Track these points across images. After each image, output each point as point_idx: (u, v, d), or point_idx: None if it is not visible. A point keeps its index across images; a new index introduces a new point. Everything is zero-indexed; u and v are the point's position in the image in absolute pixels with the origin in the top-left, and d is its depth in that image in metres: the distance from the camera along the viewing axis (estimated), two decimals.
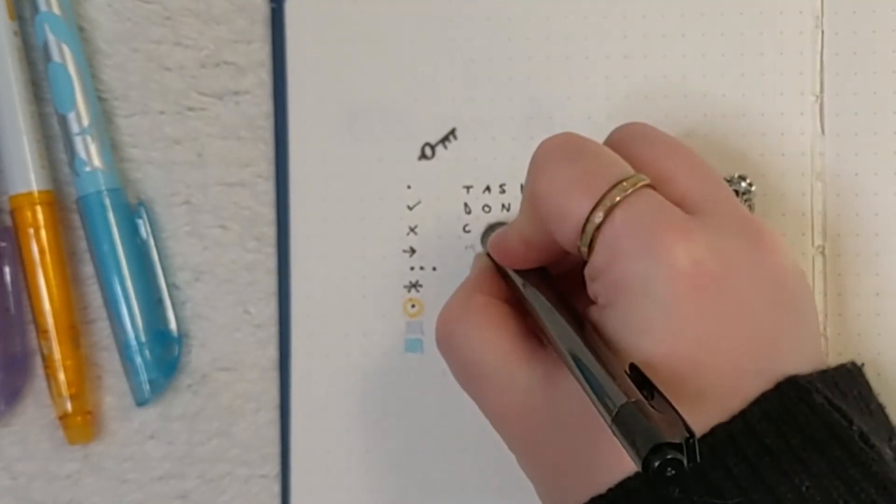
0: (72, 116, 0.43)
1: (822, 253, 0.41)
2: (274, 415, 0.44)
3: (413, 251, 0.43)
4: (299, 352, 0.44)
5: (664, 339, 0.31)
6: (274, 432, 0.44)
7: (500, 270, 0.38)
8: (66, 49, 0.43)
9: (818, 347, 0.34)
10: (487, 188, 0.43)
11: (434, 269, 0.43)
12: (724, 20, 0.42)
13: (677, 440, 0.26)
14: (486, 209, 0.43)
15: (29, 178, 0.43)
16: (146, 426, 0.44)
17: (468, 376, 0.36)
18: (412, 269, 0.43)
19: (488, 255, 0.40)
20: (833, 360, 0.41)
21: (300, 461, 0.44)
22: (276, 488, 0.44)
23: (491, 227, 0.42)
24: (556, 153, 0.34)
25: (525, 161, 0.42)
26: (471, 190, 0.43)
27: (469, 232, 0.43)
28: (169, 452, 0.44)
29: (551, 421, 0.34)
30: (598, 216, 0.32)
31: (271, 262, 0.44)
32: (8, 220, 0.44)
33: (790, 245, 0.41)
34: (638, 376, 0.29)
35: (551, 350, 0.34)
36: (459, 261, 0.43)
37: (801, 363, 0.32)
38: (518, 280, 0.36)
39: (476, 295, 0.37)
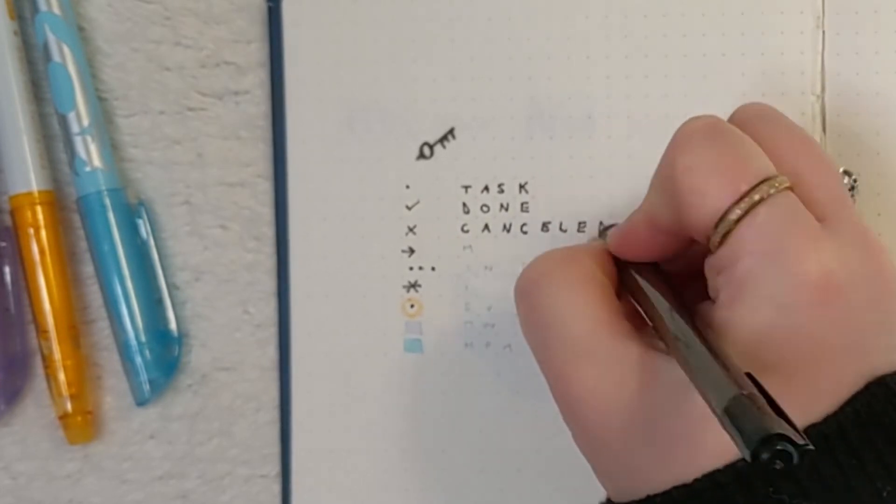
0: (72, 116, 0.43)
1: None
2: (274, 415, 0.44)
3: (412, 251, 0.43)
4: (299, 352, 0.44)
5: (780, 344, 0.31)
6: (274, 432, 0.44)
7: (612, 257, 0.37)
8: (66, 49, 0.43)
9: None
10: (486, 188, 0.43)
11: (433, 268, 0.43)
12: (725, 20, 0.42)
13: (790, 434, 0.26)
14: (485, 209, 0.43)
15: (29, 178, 0.43)
16: (146, 426, 0.44)
17: (546, 339, 0.34)
18: (411, 269, 0.43)
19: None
20: None
21: (300, 461, 0.44)
22: (276, 488, 0.44)
23: (606, 229, 0.42)
24: (704, 132, 0.33)
25: (524, 161, 0.42)
26: (469, 190, 0.43)
27: (468, 232, 0.43)
28: (169, 452, 0.44)
29: (640, 407, 0.32)
30: (737, 212, 0.31)
31: (271, 262, 0.44)
32: (8, 220, 0.44)
33: None
34: (752, 382, 0.29)
35: (650, 334, 0.33)
36: (458, 261, 0.43)
37: (890, 367, 0.32)
38: (633, 268, 0.35)
39: (579, 254, 0.35)
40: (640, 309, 0.35)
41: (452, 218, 0.43)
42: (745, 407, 0.27)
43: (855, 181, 0.41)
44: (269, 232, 0.44)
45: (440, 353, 0.43)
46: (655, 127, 0.42)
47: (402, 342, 0.43)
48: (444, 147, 0.43)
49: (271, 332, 0.44)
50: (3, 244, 0.44)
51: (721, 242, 0.32)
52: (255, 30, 0.44)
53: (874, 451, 0.30)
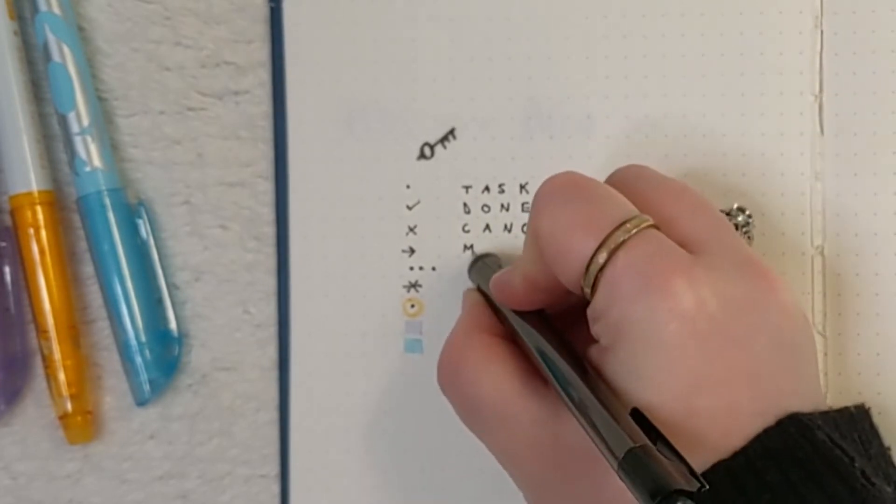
0: (72, 116, 0.43)
1: (822, 253, 0.41)
2: (274, 415, 0.44)
3: (412, 251, 0.43)
4: (299, 352, 0.44)
5: (664, 383, 0.31)
6: (274, 432, 0.44)
7: (492, 306, 0.38)
8: (66, 49, 0.43)
9: (818, 387, 0.34)
10: (486, 188, 0.43)
11: (433, 268, 0.43)
12: (724, 20, 0.42)
13: (687, 487, 0.26)
14: (486, 209, 0.43)
15: (29, 178, 0.43)
16: (146, 426, 0.44)
17: (474, 415, 0.36)
18: (411, 269, 0.43)
19: (478, 288, 0.40)
20: (831, 360, 0.41)
21: (300, 461, 0.44)
22: (276, 488, 0.44)
23: (476, 259, 0.42)
24: (560, 192, 0.34)
25: (524, 161, 0.43)
26: (470, 190, 0.43)
27: (468, 232, 0.43)
28: (169, 452, 0.44)
29: (558, 457, 0.34)
30: (602, 256, 0.32)
31: (271, 262, 0.44)
32: (8, 220, 0.44)
33: (792, 246, 0.41)
34: (641, 421, 0.29)
35: None
36: (458, 261, 0.43)
37: (800, 402, 0.32)
38: (515, 321, 0.36)
39: (476, 333, 0.37)
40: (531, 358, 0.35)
41: (453, 218, 0.43)
42: (639, 461, 0.27)
43: (750, 217, 0.41)
44: (269, 232, 0.44)
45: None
46: (654, 127, 0.42)
47: (402, 342, 0.43)
48: (444, 147, 0.43)
49: (271, 332, 0.44)
50: (3, 244, 0.44)
51: (593, 291, 0.32)
52: (256, 30, 0.44)
53: (790, 485, 0.30)
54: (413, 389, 0.43)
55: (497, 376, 0.35)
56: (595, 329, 0.33)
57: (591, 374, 0.32)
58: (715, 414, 0.31)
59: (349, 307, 0.43)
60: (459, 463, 0.43)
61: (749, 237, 0.40)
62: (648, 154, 0.42)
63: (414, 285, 0.43)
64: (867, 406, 0.34)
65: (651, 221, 0.32)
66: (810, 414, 0.31)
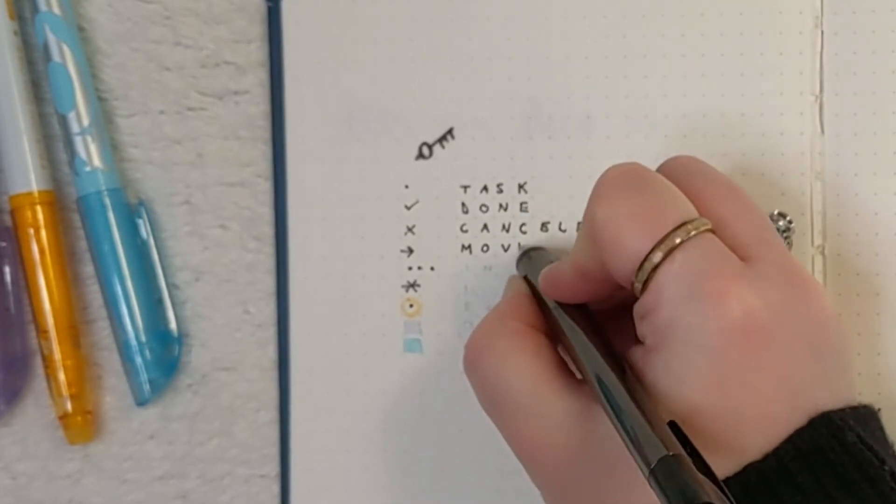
0: (72, 116, 0.43)
1: (822, 253, 0.41)
2: (274, 415, 0.44)
3: (411, 251, 0.43)
4: (299, 352, 0.44)
5: (707, 387, 0.31)
6: (274, 432, 0.44)
7: (536, 297, 0.38)
8: (66, 49, 0.43)
9: (853, 393, 0.33)
10: (485, 188, 0.43)
11: (432, 268, 0.43)
12: (724, 20, 0.42)
13: (717, 502, 0.26)
14: (484, 209, 0.43)
15: (29, 178, 0.43)
16: (146, 426, 0.44)
17: (496, 404, 0.36)
18: (410, 268, 0.43)
19: (525, 278, 0.40)
20: None
21: (300, 461, 0.44)
22: (276, 488, 0.44)
23: (526, 252, 0.42)
24: (621, 182, 0.33)
25: (523, 161, 0.42)
26: (468, 189, 0.43)
27: (466, 231, 0.43)
28: (169, 452, 0.44)
29: (585, 459, 0.33)
30: (658, 256, 0.31)
31: (271, 262, 0.44)
32: (8, 220, 0.44)
33: (793, 246, 0.41)
34: (676, 433, 0.29)
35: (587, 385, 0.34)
36: (457, 261, 0.43)
37: (834, 404, 0.32)
38: (559, 313, 0.36)
39: (509, 320, 0.36)
40: (569, 356, 0.35)
41: (451, 218, 0.43)
42: (671, 470, 0.27)
43: (790, 223, 0.41)
44: (269, 232, 0.44)
45: (439, 353, 0.43)
46: (654, 127, 0.42)
47: (401, 342, 0.43)
48: (443, 147, 0.43)
49: (271, 332, 0.44)
50: (3, 244, 0.44)
51: (644, 288, 0.32)
52: (255, 30, 0.44)
53: (821, 488, 0.30)
54: (412, 389, 0.43)
55: (526, 367, 0.35)
56: (641, 327, 0.33)
57: (630, 377, 0.32)
58: (754, 419, 0.31)
59: (348, 307, 0.43)
60: (460, 462, 0.43)
61: (789, 243, 0.40)
62: (648, 154, 0.42)
63: (413, 285, 0.43)
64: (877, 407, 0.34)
65: (709, 225, 0.32)
66: (841, 412, 0.31)
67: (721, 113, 0.42)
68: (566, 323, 0.35)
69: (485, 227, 0.43)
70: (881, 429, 0.33)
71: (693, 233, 0.32)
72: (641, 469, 0.28)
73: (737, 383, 0.31)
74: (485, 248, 0.43)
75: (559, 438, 0.34)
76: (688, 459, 0.27)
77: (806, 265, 0.41)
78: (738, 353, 0.31)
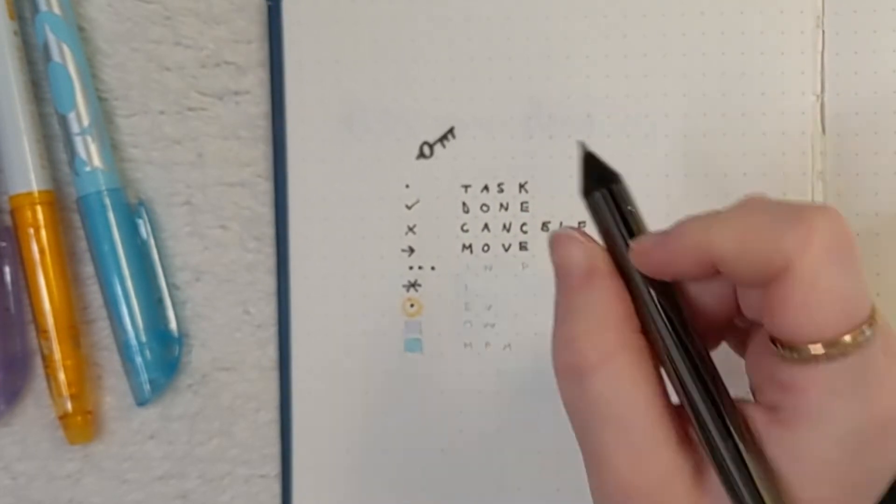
0: (72, 116, 0.43)
1: None
2: (274, 415, 0.44)
3: (412, 250, 0.43)
4: (299, 352, 0.44)
5: (837, 478, 0.29)
6: (274, 432, 0.44)
7: (622, 273, 0.31)
8: (66, 49, 0.43)
9: None
10: (486, 187, 0.43)
11: (433, 268, 0.43)
12: (725, 19, 0.42)
13: None
14: (485, 208, 0.43)
15: (29, 178, 0.43)
16: (146, 426, 0.44)
17: (593, 429, 0.30)
18: (411, 268, 0.43)
19: (606, 238, 0.31)
20: None
21: (300, 461, 0.44)
22: (277, 488, 0.44)
23: (597, 180, 0.32)
24: (839, 249, 0.28)
25: (524, 160, 0.42)
26: (469, 189, 0.43)
27: (467, 231, 0.43)
28: (169, 452, 0.44)
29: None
30: (846, 341, 0.28)
31: (271, 262, 0.44)
32: (8, 220, 0.44)
33: None
34: None
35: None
36: (458, 260, 0.43)
37: None
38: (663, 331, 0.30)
39: (626, 329, 0.30)
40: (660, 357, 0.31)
41: (452, 217, 0.43)
42: None
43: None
44: (269, 232, 0.44)
45: (440, 353, 0.43)
46: (655, 126, 0.42)
47: (401, 342, 0.43)
48: (443, 146, 0.43)
49: (271, 332, 0.44)
50: (3, 244, 0.44)
51: (805, 361, 0.28)
52: (255, 30, 0.44)
53: None
54: (413, 389, 0.43)
55: (644, 395, 0.30)
56: (773, 393, 0.30)
57: (747, 437, 0.29)
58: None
59: (349, 307, 0.43)
60: (460, 462, 0.43)
61: None
62: (649, 154, 0.42)
63: (413, 285, 0.43)
64: None
65: (881, 318, 0.29)
66: None
67: (722, 112, 0.42)
68: (673, 347, 0.30)
69: (485, 226, 0.43)
70: None
71: (874, 328, 0.28)
72: None
73: (866, 474, 0.29)
74: (486, 248, 0.43)
75: (670, 480, 0.30)
76: None
77: None
78: (877, 447, 0.29)
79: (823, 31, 0.41)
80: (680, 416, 0.30)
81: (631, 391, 0.29)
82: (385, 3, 0.43)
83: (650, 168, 0.40)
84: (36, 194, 0.43)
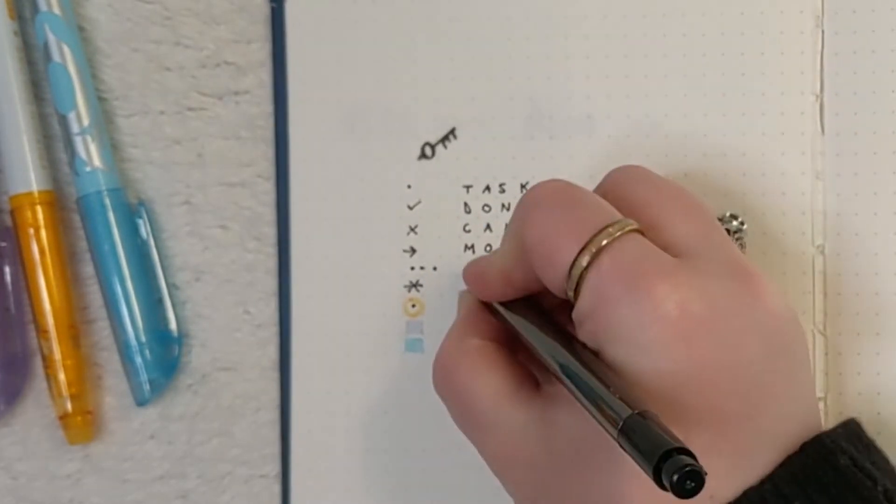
0: (72, 116, 0.43)
1: (822, 252, 0.41)
2: (274, 415, 0.44)
3: (413, 251, 0.43)
4: (299, 352, 0.44)
5: (649, 384, 0.30)
6: (274, 432, 0.44)
7: (487, 306, 0.38)
8: (66, 49, 0.43)
9: (812, 391, 0.34)
10: (487, 188, 0.43)
11: (434, 268, 0.43)
12: (725, 20, 0.42)
13: (687, 447, 0.26)
14: (486, 209, 0.43)
15: (29, 178, 0.43)
16: (146, 426, 0.44)
17: (467, 421, 0.36)
18: (412, 268, 0.43)
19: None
20: (831, 360, 0.41)
21: (300, 461, 0.44)
22: (277, 488, 0.44)
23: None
24: (545, 200, 0.34)
25: (525, 160, 0.43)
26: (471, 189, 0.43)
27: (469, 231, 0.43)
28: (169, 452, 0.44)
29: (551, 465, 0.33)
30: (585, 260, 0.32)
31: (271, 262, 0.44)
32: (8, 220, 0.44)
33: (793, 245, 0.41)
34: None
35: (546, 390, 0.35)
36: (460, 261, 0.43)
37: (793, 406, 0.32)
38: (503, 311, 0.36)
39: (468, 338, 0.37)
40: (529, 349, 0.35)
41: (454, 218, 0.43)
42: (641, 425, 0.27)
43: (742, 224, 0.40)
44: (269, 232, 0.44)
45: None
46: (655, 126, 0.42)
47: (403, 342, 0.43)
48: (445, 147, 0.43)
49: (271, 332, 0.44)
50: (3, 244, 0.44)
51: (577, 294, 0.32)
52: (256, 30, 0.44)
53: None
54: (414, 389, 0.43)
55: (488, 383, 0.35)
56: (581, 333, 0.33)
57: (580, 349, 0.32)
58: (704, 415, 0.30)
59: (350, 307, 0.43)
60: (460, 463, 0.43)
61: (742, 244, 0.40)
62: (649, 154, 0.42)
63: (415, 285, 0.43)
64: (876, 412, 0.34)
65: (635, 225, 0.32)
66: (833, 433, 0.32)
67: (722, 112, 0.42)
68: (515, 319, 0.36)
69: (487, 226, 0.43)
70: (870, 441, 0.33)
71: (617, 234, 0.32)
72: (610, 433, 0.28)
73: (681, 380, 0.30)
74: (487, 248, 0.43)
75: (524, 449, 0.34)
76: (655, 413, 0.27)
77: (806, 264, 0.41)
78: (677, 348, 0.30)
79: (823, 31, 0.42)
80: (530, 389, 0.35)
81: (475, 382, 0.35)
82: (387, 5, 0.43)
83: (650, 168, 0.39)
84: (36, 194, 0.43)
